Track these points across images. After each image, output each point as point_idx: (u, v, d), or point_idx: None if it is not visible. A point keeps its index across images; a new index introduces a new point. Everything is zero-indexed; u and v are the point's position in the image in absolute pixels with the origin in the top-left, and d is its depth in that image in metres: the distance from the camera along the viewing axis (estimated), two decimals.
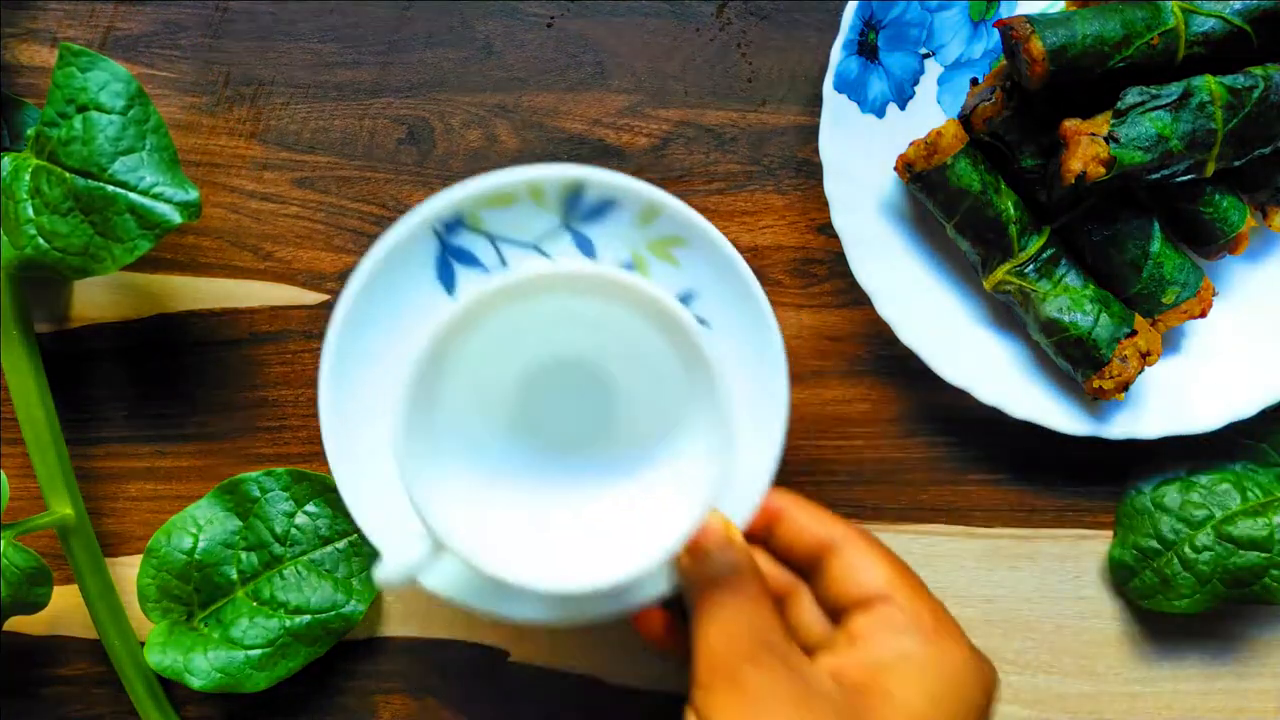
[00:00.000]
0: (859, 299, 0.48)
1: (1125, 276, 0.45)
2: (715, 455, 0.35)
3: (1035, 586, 0.49)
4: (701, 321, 0.40)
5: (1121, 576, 0.47)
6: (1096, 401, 0.46)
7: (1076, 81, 0.42)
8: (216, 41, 0.48)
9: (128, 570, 0.48)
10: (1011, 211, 0.44)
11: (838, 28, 0.47)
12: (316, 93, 0.48)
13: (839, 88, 0.44)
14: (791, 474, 0.48)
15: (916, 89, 0.46)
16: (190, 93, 0.48)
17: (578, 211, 0.39)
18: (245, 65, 0.48)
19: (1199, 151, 0.42)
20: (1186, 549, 0.46)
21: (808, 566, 0.39)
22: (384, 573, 0.36)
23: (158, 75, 0.48)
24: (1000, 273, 0.45)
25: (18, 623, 0.48)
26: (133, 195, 0.41)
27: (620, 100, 0.48)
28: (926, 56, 0.46)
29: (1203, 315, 0.45)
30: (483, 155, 0.48)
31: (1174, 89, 0.42)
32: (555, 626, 0.43)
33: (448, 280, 0.39)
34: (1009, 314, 0.47)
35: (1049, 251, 0.45)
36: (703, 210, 0.47)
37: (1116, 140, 0.42)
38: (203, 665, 0.45)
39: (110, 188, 0.41)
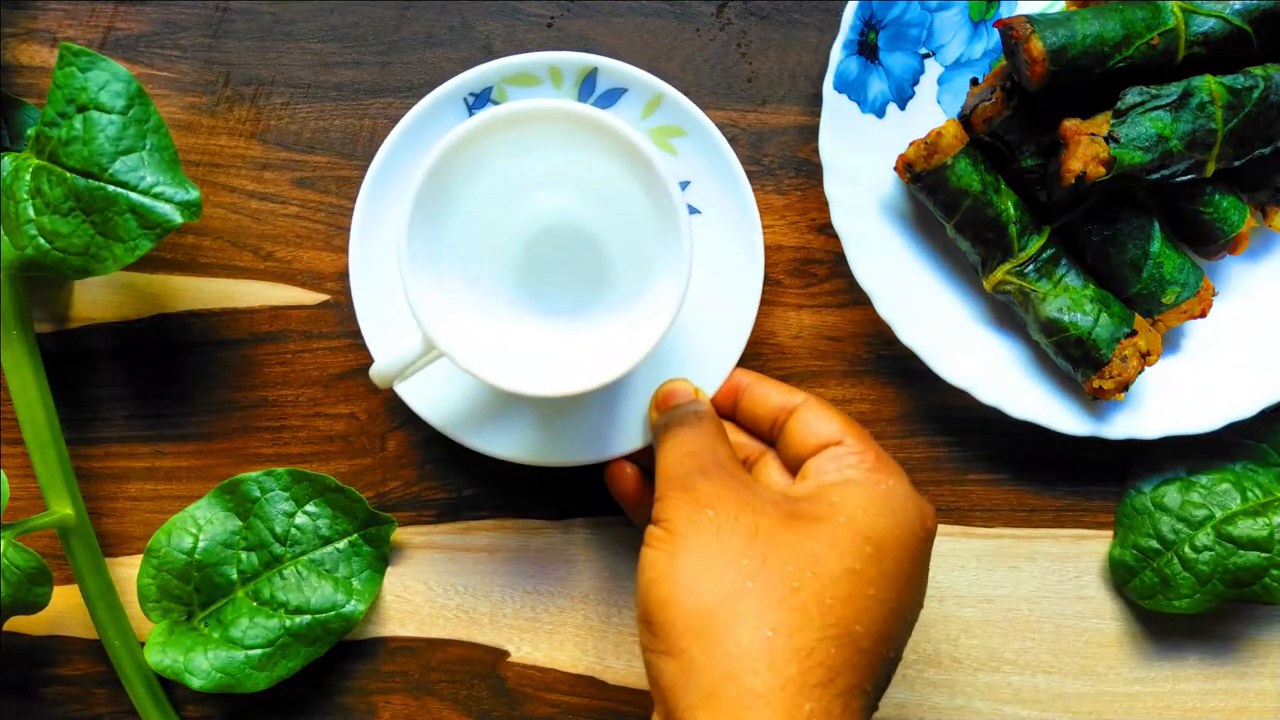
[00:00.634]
0: (859, 299, 0.48)
1: (1125, 276, 0.45)
2: (679, 279, 0.39)
3: (1035, 586, 0.49)
4: (694, 210, 0.44)
5: (1121, 576, 0.47)
6: (1096, 401, 0.46)
7: (1076, 81, 0.42)
8: (216, 41, 0.48)
9: (128, 570, 0.48)
10: (1011, 211, 0.44)
11: (838, 28, 0.47)
12: (316, 93, 0.48)
13: (839, 88, 0.45)
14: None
15: (916, 89, 0.46)
16: (190, 93, 0.48)
17: (591, 96, 0.44)
18: (245, 65, 0.48)
19: (1199, 151, 0.42)
20: (1186, 549, 0.46)
21: (771, 433, 0.43)
22: (377, 366, 0.41)
23: (158, 75, 0.48)
24: (1000, 273, 0.45)
25: (18, 623, 0.48)
26: (133, 195, 0.41)
27: None
28: (926, 56, 0.46)
29: (1203, 315, 0.45)
30: None
31: (1174, 89, 0.42)
32: (527, 463, 0.45)
33: None
34: (1009, 314, 0.47)
35: (1049, 251, 0.45)
36: None
37: (1116, 140, 0.42)
38: (203, 665, 0.45)
39: (111, 188, 0.41)
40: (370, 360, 0.44)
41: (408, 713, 0.48)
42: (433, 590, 0.48)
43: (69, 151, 0.42)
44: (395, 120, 0.48)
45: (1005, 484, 0.49)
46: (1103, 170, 0.42)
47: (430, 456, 0.48)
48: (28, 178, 0.42)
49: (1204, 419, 0.46)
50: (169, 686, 0.47)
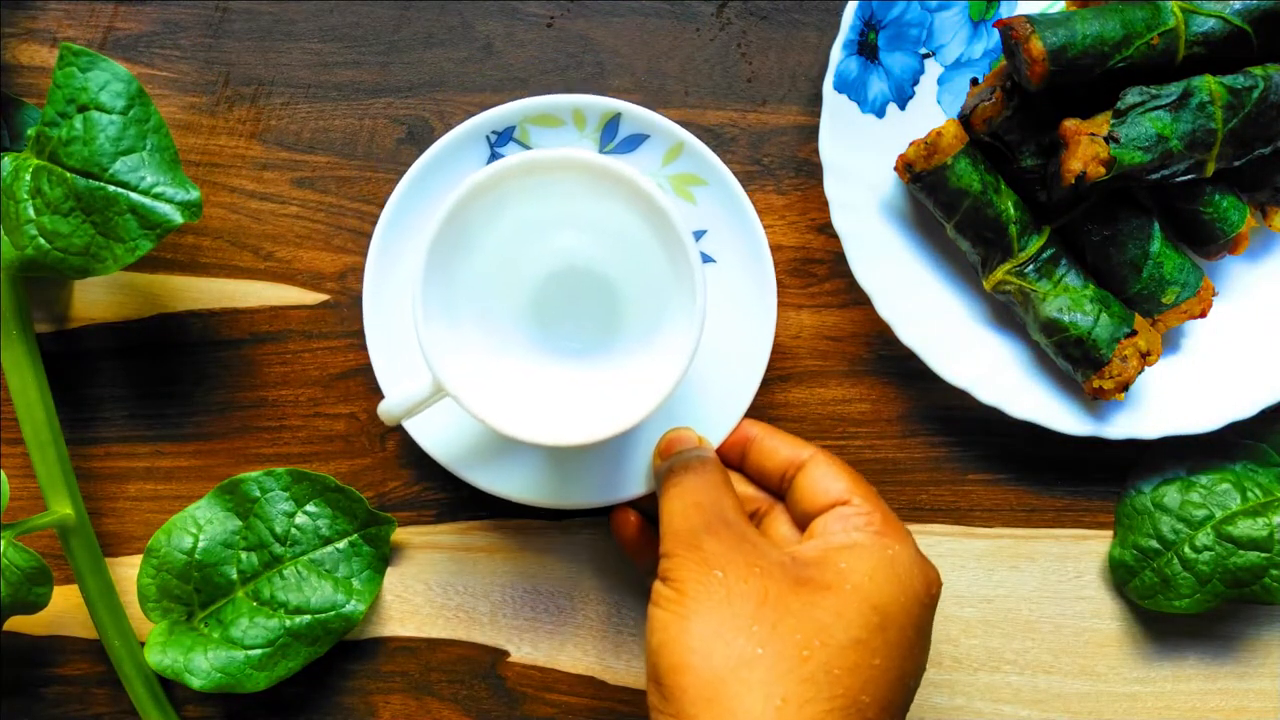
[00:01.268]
0: (859, 299, 0.48)
1: (1125, 276, 0.45)
2: (692, 331, 0.39)
3: (1035, 586, 0.49)
4: (709, 258, 0.44)
5: (1121, 576, 0.47)
6: (1096, 401, 0.46)
7: (1076, 81, 0.42)
8: (216, 41, 0.48)
9: (128, 570, 0.48)
10: (1011, 211, 0.44)
11: (838, 28, 0.47)
12: (316, 93, 0.48)
13: (839, 88, 0.45)
14: None
15: (916, 89, 0.46)
16: (190, 93, 0.48)
17: (612, 141, 0.44)
18: (245, 65, 0.48)
19: (1199, 151, 0.42)
20: (1186, 549, 0.46)
21: (779, 487, 0.43)
22: (385, 405, 0.41)
23: (158, 75, 0.48)
24: (1000, 273, 0.45)
25: (18, 623, 0.48)
26: (134, 195, 0.41)
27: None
28: (926, 56, 0.46)
29: (1203, 315, 0.45)
30: None
31: (1174, 89, 0.42)
32: (534, 504, 0.45)
33: None
34: (1009, 314, 0.47)
35: (1049, 251, 0.45)
36: None
37: (1116, 140, 0.42)
38: (203, 665, 0.45)
39: (111, 188, 0.41)
40: (370, 361, 0.44)
41: (408, 713, 0.48)
42: (433, 590, 0.48)
43: (69, 151, 0.42)
44: (395, 120, 0.48)
45: (1005, 484, 0.49)
46: (1103, 170, 0.42)
47: (430, 457, 0.48)
48: (28, 178, 0.42)
49: (1204, 419, 0.46)
50: (169, 686, 0.47)
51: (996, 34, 0.46)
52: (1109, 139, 0.42)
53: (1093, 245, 0.45)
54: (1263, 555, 0.46)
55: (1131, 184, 0.43)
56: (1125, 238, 0.44)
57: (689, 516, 0.39)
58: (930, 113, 0.46)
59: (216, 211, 0.48)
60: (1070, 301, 0.44)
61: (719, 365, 0.44)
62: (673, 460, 0.41)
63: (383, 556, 0.47)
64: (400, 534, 0.48)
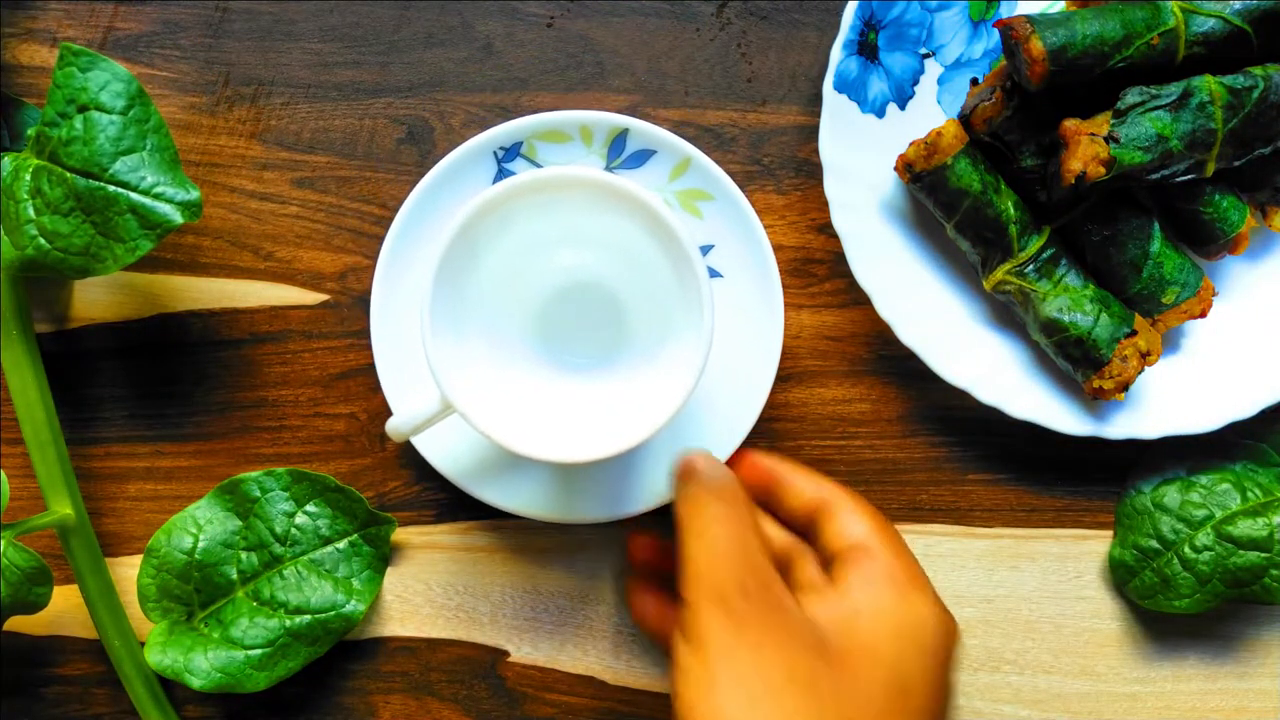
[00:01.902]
0: (859, 299, 0.48)
1: (1125, 276, 0.45)
2: (700, 348, 0.39)
3: (1035, 586, 0.49)
4: (716, 273, 0.45)
5: (1121, 576, 0.47)
6: (1096, 401, 0.46)
7: (1076, 81, 0.42)
8: (216, 41, 0.48)
9: (128, 570, 0.48)
10: (1011, 211, 0.44)
11: (838, 28, 0.47)
12: (316, 93, 0.48)
13: (839, 88, 0.45)
14: None
15: (916, 89, 0.46)
16: (190, 93, 0.48)
17: (619, 156, 0.44)
18: (245, 65, 0.48)
19: (1199, 151, 0.42)
20: (1186, 549, 0.46)
21: (806, 526, 0.42)
22: (393, 422, 0.41)
23: (158, 75, 0.48)
24: (1000, 273, 0.45)
25: (18, 623, 0.48)
26: (134, 195, 0.41)
27: (620, 100, 0.48)
28: (926, 56, 0.46)
29: (1203, 315, 0.45)
30: None
31: (1174, 89, 0.42)
32: (542, 519, 0.45)
33: None
34: (1009, 314, 0.47)
35: (1049, 251, 0.45)
36: None
37: (1116, 140, 0.42)
38: (203, 665, 0.45)
39: (111, 188, 0.41)
40: (371, 361, 0.44)
41: (408, 713, 0.48)
42: (433, 590, 0.48)
43: (69, 151, 0.42)
44: (395, 120, 0.48)
45: (1005, 484, 0.49)
46: (1103, 170, 0.42)
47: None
48: (28, 178, 0.42)
49: (1204, 419, 0.46)
50: (169, 686, 0.47)
51: (996, 34, 0.46)
52: (1109, 139, 0.42)
53: (1093, 245, 0.45)
54: (1263, 555, 0.46)
55: (1131, 184, 0.43)
56: (1125, 238, 0.44)
57: (716, 567, 0.37)
58: (930, 113, 0.46)
59: (216, 211, 0.48)
60: (1070, 301, 0.44)
61: (725, 379, 0.44)
62: (695, 492, 0.39)
63: (383, 556, 0.47)
64: (400, 534, 0.48)
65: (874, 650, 0.37)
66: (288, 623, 0.46)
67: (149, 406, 0.48)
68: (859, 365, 0.48)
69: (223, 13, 0.48)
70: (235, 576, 0.46)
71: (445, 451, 0.45)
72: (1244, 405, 0.46)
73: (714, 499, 0.39)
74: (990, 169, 0.44)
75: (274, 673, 0.46)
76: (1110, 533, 0.49)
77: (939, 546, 0.48)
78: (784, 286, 0.48)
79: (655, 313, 0.43)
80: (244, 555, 0.46)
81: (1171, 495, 0.47)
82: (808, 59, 0.48)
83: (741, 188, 0.45)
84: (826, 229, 0.48)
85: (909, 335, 0.45)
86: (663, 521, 0.48)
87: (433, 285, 0.39)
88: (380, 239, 0.47)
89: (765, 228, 0.44)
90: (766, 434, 0.48)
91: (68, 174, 0.42)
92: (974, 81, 0.46)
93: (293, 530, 0.47)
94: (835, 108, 0.45)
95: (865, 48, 0.45)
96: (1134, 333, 0.44)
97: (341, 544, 0.47)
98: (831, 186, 0.45)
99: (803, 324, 0.48)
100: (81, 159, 0.41)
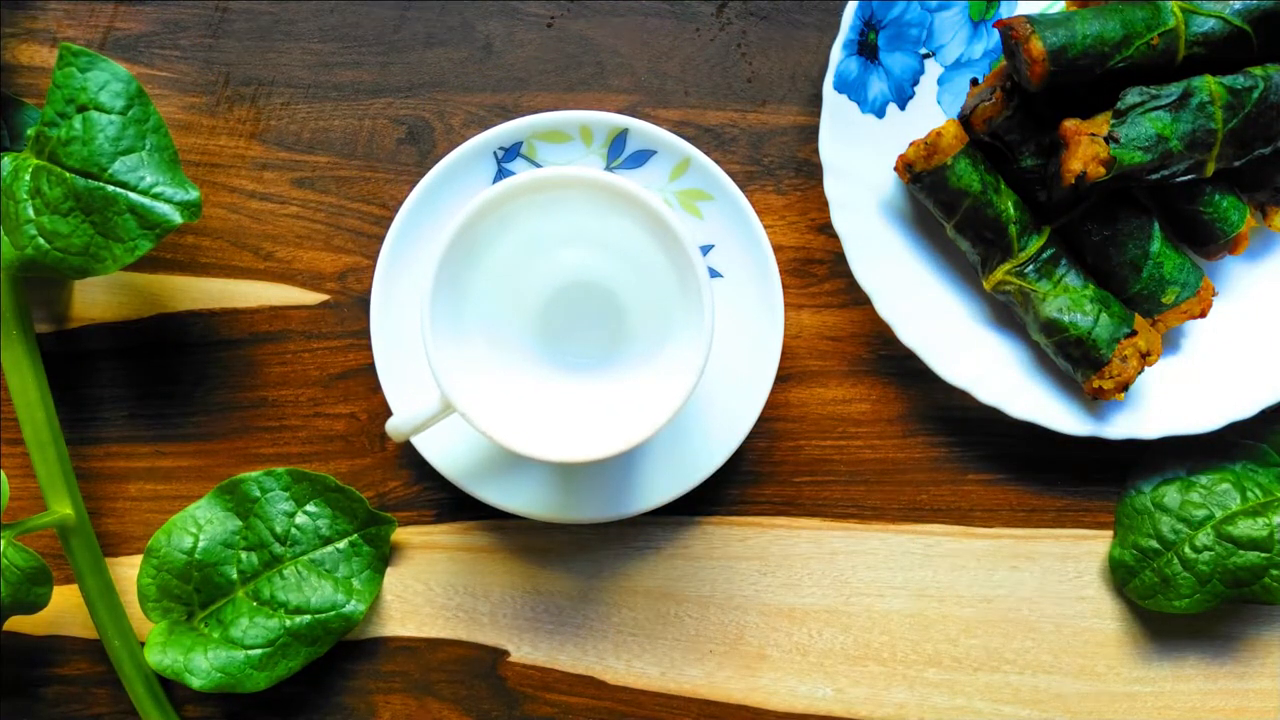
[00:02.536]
0: (859, 299, 0.48)
1: (1125, 276, 0.45)
2: (700, 347, 0.39)
3: (1035, 586, 0.49)
4: (716, 273, 0.44)
5: (1121, 576, 0.47)
6: (1096, 401, 0.46)
7: (1076, 81, 0.42)
8: (216, 41, 0.48)
9: (128, 570, 0.48)
10: (1011, 211, 0.44)
11: (838, 28, 0.47)
12: (316, 93, 0.48)
13: (839, 88, 0.45)
14: (792, 474, 0.48)
15: (916, 89, 0.46)
16: (190, 93, 0.48)
17: (619, 156, 0.44)
18: (245, 65, 0.48)
19: (1199, 151, 0.42)
20: (1186, 549, 0.46)
21: None
22: (393, 422, 0.41)
23: (158, 75, 0.48)
24: (1000, 273, 0.45)
25: (18, 623, 0.48)
26: (133, 195, 0.41)
27: (620, 100, 0.48)
28: (926, 56, 0.46)
29: (1203, 315, 0.45)
30: None
31: (1174, 89, 0.42)
32: (543, 519, 0.45)
33: None
34: (1009, 314, 0.47)
35: (1049, 251, 0.45)
36: None
37: (1116, 140, 0.42)
38: (203, 665, 0.45)
39: (110, 188, 0.41)
40: (371, 361, 0.44)
41: (408, 713, 0.48)
42: (433, 590, 0.48)
43: (69, 151, 0.42)
44: (395, 120, 0.48)
45: (1005, 484, 0.49)
46: (1103, 170, 0.42)
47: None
48: (28, 178, 0.42)
49: (1204, 419, 0.46)
50: (169, 686, 0.47)
51: (996, 34, 0.46)
52: (1109, 139, 0.42)
53: (1093, 245, 0.45)
54: (1263, 555, 0.46)
55: (1131, 184, 0.43)
56: (1125, 238, 0.44)
57: None
58: (930, 113, 0.46)
59: (216, 211, 0.48)
60: (1070, 301, 0.44)
61: (725, 379, 0.44)
62: None
63: (383, 556, 0.47)
64: (400, 534, 0.48)
65: None
66: (288, 623, 0.46)
67: (149, 406, 0.48)
68: (859, 365, 0.48)
69: (223, 13, 0.48)
70: (235, 576, 0.46)
71: (445, 451, 0.45)
72: (1244, 405, 0.46)
73: None
74: (990, 169, 0.44)
75: (274, 673, 0.46)
76: (1110, 533, 0.49)
77: (939, 546, 0.48)
78: (784, 286, 0.48)
79: (655, 313, 0.43)
80: (244, 555, 0.46)
81: (1171, 495, 0.47)
82: (808, 59, 0.48)
83: (741, 188, 0.45)
84: (826, 229, 0.48)
85: (909, 335, 0.45)
86: (663, 521, 0.48)
87: (433, 285, 0.39)
88: (380, 239, 0.47)
89: (765, 228, 0.44)
90: (766, 434, 0.48)
91: (67, 174, 0.42)
92: (974, 82, 0.46)
93: (293, 530, 0.47)
94: (835, 108, 0.45)
95: (865, 48, 0.45)
96: (1134, 333, 0.44)
97: (341, 544, 0.47)
98: (831, 186, 0.45)
99: (803, 324, 0.48)
100: (81, 159, 0.41)
